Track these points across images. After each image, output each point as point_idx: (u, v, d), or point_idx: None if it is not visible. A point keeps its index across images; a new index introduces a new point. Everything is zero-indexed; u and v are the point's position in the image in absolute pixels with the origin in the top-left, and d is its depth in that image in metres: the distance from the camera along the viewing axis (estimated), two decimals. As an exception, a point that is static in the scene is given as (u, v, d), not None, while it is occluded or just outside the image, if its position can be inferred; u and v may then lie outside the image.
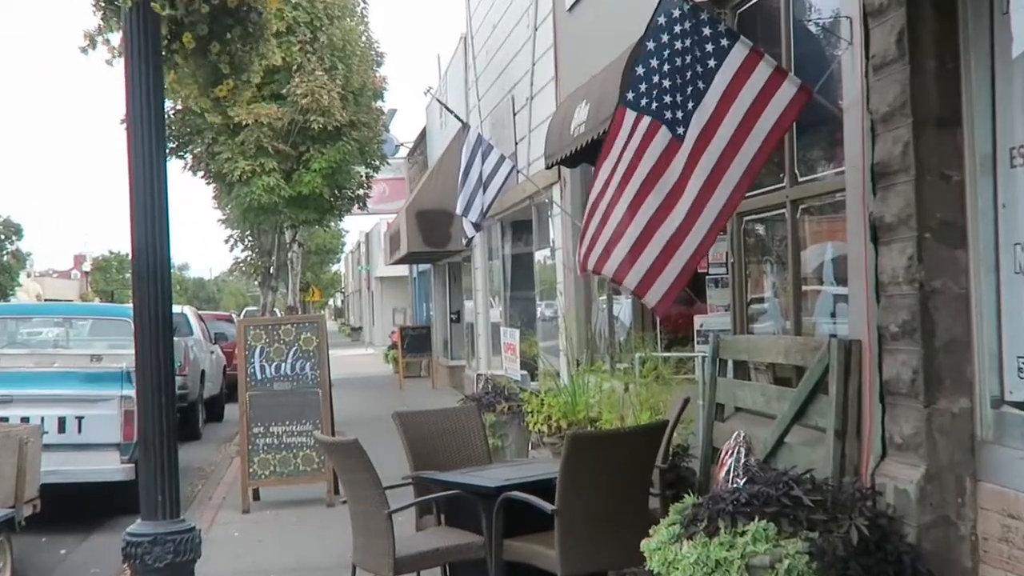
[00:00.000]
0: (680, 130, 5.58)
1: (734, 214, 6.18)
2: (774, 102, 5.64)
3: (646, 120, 5.63)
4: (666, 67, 5.59)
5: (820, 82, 5.84)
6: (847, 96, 5.83)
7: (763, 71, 5.64)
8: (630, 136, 5.67)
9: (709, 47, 5.60)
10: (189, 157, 22.31)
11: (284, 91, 20.68)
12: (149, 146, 5.13)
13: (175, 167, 23.36)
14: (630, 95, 5.66)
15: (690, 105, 5.59)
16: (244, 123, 20.01)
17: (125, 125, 5.24)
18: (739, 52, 5.63)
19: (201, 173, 22.11)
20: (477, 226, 13.21)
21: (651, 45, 5.63)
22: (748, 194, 6.24)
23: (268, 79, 20.52)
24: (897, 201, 5.18)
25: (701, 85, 5.58)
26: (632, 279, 5.81)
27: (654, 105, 5.60)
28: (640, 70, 5.62)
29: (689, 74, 5.59)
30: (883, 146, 5.28)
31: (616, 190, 5.78)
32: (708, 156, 5.62)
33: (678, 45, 5.59)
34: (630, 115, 5.67)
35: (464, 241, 14.60)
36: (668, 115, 5.59)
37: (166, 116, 20.93)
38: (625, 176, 5.74)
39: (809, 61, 6.68)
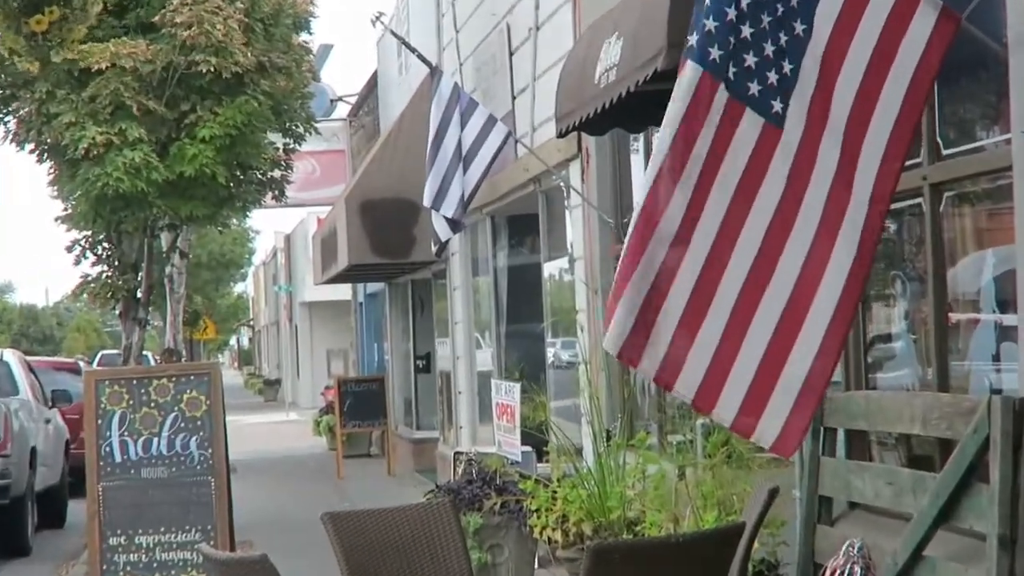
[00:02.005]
0: (776, 105, 5.52)
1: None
2: (909, 39, 5.62)
3: (723, 90, 5.52)
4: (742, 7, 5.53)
5: (972, 3, 5.88)
6: (1014, 25, 5.86)
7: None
8: (706, 109, 5.52)
9: None
10: (12, 122, 22.37)
11: (157, 20, 20.76)
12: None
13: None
14: (693, 38, 5.55)
15: (784, 67, 5.53)
16: (96, 68, 20.07)
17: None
18: None
19: (31, 146, 22.16)
20: (455, 224, 13.23)
21: None
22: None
23: (132, 2, 20.60)
24: (1090, 185, 5.21)
25: (787, 35, 5.52)
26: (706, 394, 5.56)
27: (732, 70, 5.52)
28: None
29: (773, 19, 5.53)
30: (1069, 101, 5.32)
31: (690, 206, 5.59)
32: (816, 155, 5.56)
33: None
34: (695, 72, 5.54)
35: (435, 248, 14.61)
36: (754, 88, 5.52)
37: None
38: (705, 181, 5.56)
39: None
